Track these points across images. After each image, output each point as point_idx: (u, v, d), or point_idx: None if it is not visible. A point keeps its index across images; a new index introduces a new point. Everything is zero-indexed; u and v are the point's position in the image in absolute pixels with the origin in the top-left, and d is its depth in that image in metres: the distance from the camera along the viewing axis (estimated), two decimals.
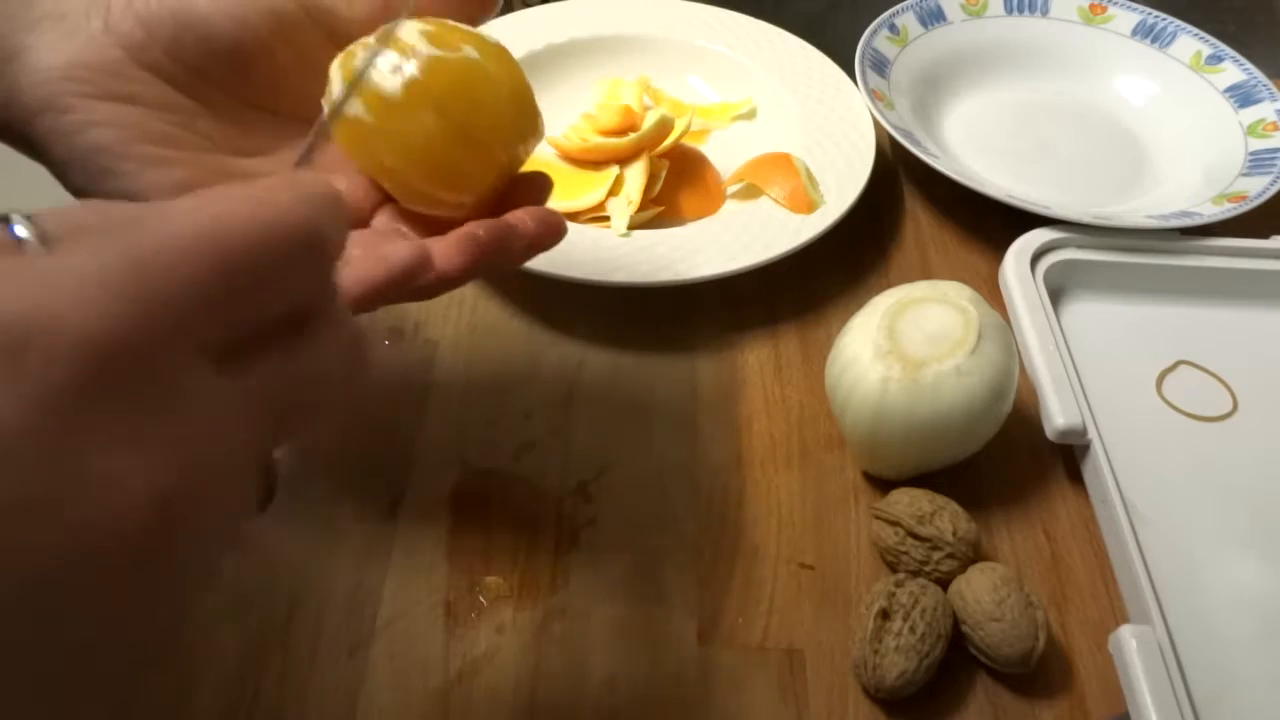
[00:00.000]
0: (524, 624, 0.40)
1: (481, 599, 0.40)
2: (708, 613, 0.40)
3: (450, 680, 0.38)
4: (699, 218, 0.55)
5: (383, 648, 0.39)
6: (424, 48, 0.32)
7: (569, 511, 0.43)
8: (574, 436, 0.46)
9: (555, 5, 0.67)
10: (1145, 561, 0.41)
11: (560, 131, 0.58)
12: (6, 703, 0.16)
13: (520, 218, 0.33)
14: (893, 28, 0.65)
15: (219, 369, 0.19)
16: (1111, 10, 0.68)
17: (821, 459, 0.46)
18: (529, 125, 0.35)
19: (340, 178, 0.35)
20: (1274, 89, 0.62)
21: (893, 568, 0.41)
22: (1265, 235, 0.56)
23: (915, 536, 0.40)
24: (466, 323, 0.51)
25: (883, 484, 0.45)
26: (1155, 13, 0.67)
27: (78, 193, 0.33)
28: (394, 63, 0.32)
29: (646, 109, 0.60)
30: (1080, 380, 0.47)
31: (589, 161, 0.56)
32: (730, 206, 0.56)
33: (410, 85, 0.31)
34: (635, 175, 0.55)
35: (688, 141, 0.59)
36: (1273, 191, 0.55)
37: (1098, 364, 0.50)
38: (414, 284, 0.31)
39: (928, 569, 0.40)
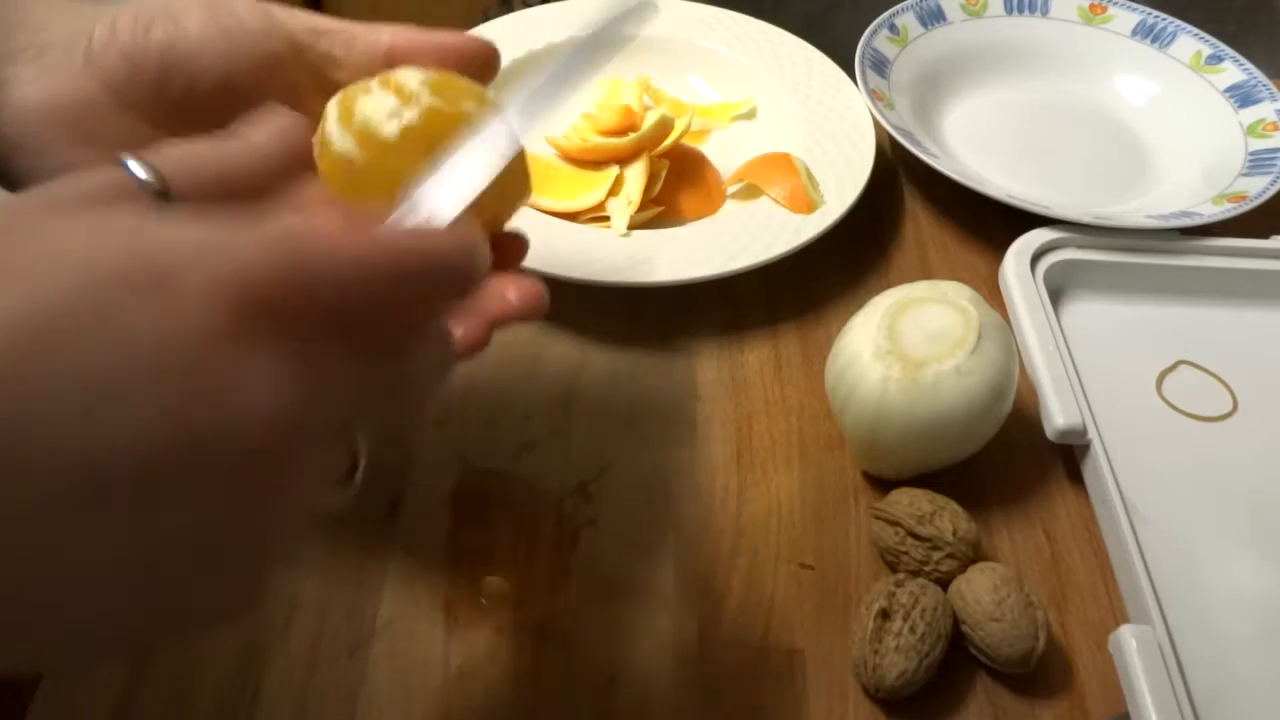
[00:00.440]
0: (524, 624, 0.40)
1: (481, 599, 0.40)
2: (708, 613, 0.40)
3: (450, 680, 0.38)
4: (699, 218, 0.55)
5: (383, 648, 0.39)
6: (425, 96, 0.31)
7: (569, 511, 0.43)
8: (574, 436, 0.46)
9: (555, 5, 0.67)
10: (1145, 561, 0.41)
11: (560, 131, 0.59)
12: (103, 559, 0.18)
13: (502, 293, 0.33)
14: (893, 28, 0.65)
15: (343, 347, 0.22)
16: (1111, 10, 0.68)
17: (821, 459, 0.46)
18: (519, 188, 0.34)
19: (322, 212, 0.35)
20: (1274, 89, 0.62)
21: (893, 568, 0.41)
22: (1265, 235, 0.56)
23: (915, 536, 0.40)
24: None
25: (883, 484, 0.45)
26: (1155, 13, 0.67)
27: None
28: (392, 108, 0.31)
29: (646, 109, 0.60)
30: (1080, 380, 0.47)
31: (589, 161, 0.56)
32: (730, 206, 0.56)
33: (406, 131, 0.31)
34: (635, 175, 0.55)
35: (688, 141, 0.59)
36: (1273, 191, 0.55)
37: (1098, 364, 0.50)
38: None
39: (928, 569, 0.40)
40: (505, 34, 0.64)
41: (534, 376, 0.49)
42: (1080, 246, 0.54)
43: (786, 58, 0.64)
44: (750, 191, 0.55)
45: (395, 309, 0.23)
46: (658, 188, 0.55)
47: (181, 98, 0.33)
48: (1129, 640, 0.38)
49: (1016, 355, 0.43)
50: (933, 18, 0.67)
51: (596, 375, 0.49)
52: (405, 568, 0.41)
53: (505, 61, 0.63)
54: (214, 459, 0.19)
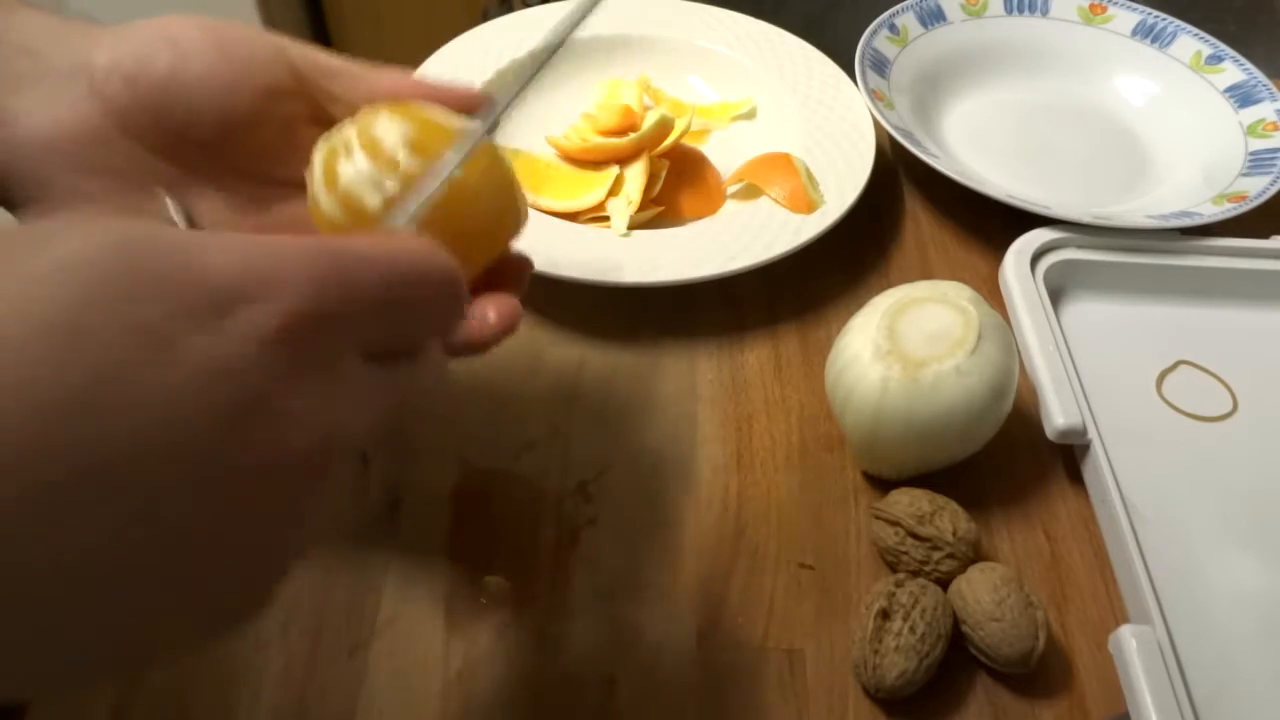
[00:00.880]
0: (524, 624, 0.40)
1: (482, 599, 0.40)
2: (708, 613, 0.40)
3: (450, 680, 0.38)
4: (699, 218, 0.55)
5: (383, 648, 0.39)
6: (404, 157, 0.31)
7: (569, 511, 0.43)
8: (574, 436, 0.46)
9: (555, 5, 0.67)
10: (1145, 561, 0.41)
11: (560, 131, 0.59)
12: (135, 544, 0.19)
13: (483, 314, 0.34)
14: (893, 28, 0.65)
15: (369, 361, 0.23)
16: (1111, 10, 0.68)
17: (821, 459, 0.46)
18: (510, 227, 0.34)
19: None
20: (1274, 89, 0.62)
21: (893, 568, 0.41)
22: (1265, 235, 0.56)
23: (915, 536, 0.40)
24: None
25: (883, 484, 0.45)
26: (1155, 13, 0.67)
27: None
28: (373, 177, 0.31)
29: (646, 109, 0.60)
30: (1080, 380, 0.47)
31: (589, 161, 0.56)
32: (730, 206, 0.56)
33: (389, 202, 0.30)
34: (635, 175, 0.55)
35: (688, 141, 0.59)
36: (1273, 191, 0.55)
37: (1098, 364, 0.50)
38: None
39: (928, 569, 0.40)
40: (505, 34, 0.64)
41: (534, 376, 0.49)
42: (1080, 246, 0.54)
43: (786, 58, 0.64)
44: (750, 191, 0.55)
45: (415, 315, 0.25)
46: (658, 188, 0.55)
47: (182, 127, 0.32)
48: (1129, 640, 0.38)
49: (1016, 355, 0.43)
50: (933, 18, 0.67)
51: (596, 375, 0.49)
52: (405, 568, 0.41)
53: (505, 62, 0.64)
54: (258, 482, 0.20)
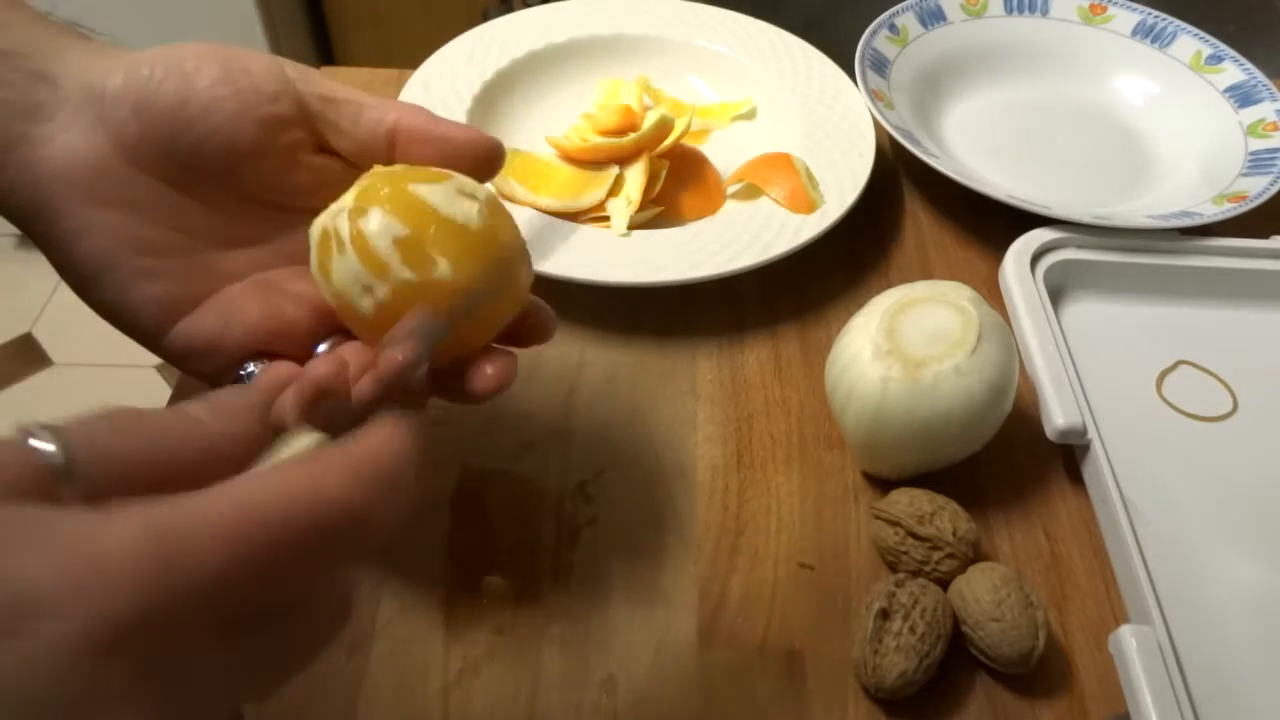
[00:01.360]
0: (524, 624, 0.40)
1: (482, 599, 0.40)
2: (708, 613, 0.40)
3: (450, 680, 0.38)
4: (699, 218, 0.55)
5: (383, 648, 0.39)
6: (395, 264, 0.30)
7: (569, 511, 0.43)
8: (574, 436, 0.46)
9: (555, 5, 0.67)
10: (1145, 561, 0.41)
11: (560, 131, 0.59)
12: None
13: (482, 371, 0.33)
14: (893, 28, 0.65)
15: (216, 638, 0.20)
16: (1111, 10, 0.68)
17: (821, 459, 0.46)
18: (516, 294, 0.34)
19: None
20: (1274, 89, 0.62)
21: (893, 568, 0.41)
22: (1265, 235, 0.56)
23: (915, 536, 0.40)
24: None
25: (883, 484, 0.45)
26: (1155, 13, 0.67)
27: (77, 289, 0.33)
28: (365, 281, 0.31)
29: (646, 109, 0.60)
30: (1080, 380, 0.47)
31: (589, 161, 0.56)
32: (730, 206, 0.56)
33: (380, 308, 0.31)
34: (635, 175, 0.55)
35: (688, 141, 0.59)
36: (1273, 191, 0.55)
37: (1098, 364, 0.50)
38: None
39: (928, 569, 0.40)
40: (505, 34, 0.64)
41: (534, 376, 0.49)
42: (1080, 246, 0.54)
43: (786, 58, 0.64)
44: (750, 191, 0.55)
45: (282, 584, 0.21)
46: (658, 188, 0.55)
47: (189, 156, 0.33)
48: (1129, 640, 0.38)
49: (1016, 355, 0.43)
50: (933, 18, 0.67)
51: (597, 375, 0.49)
52: (405, 568, 0.41)
53: (505, 61, 0.64)
54: None
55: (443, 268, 0.31)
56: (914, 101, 0.64)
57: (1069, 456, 0.46)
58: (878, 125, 0.59)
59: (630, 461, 0.45)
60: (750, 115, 0.63)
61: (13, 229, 0.33)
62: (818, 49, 0.65)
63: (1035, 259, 0.53)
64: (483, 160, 0.35)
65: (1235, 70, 0.64)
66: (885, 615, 0.37)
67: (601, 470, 0.45)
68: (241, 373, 0.34)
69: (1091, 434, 0.45)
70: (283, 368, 0.32)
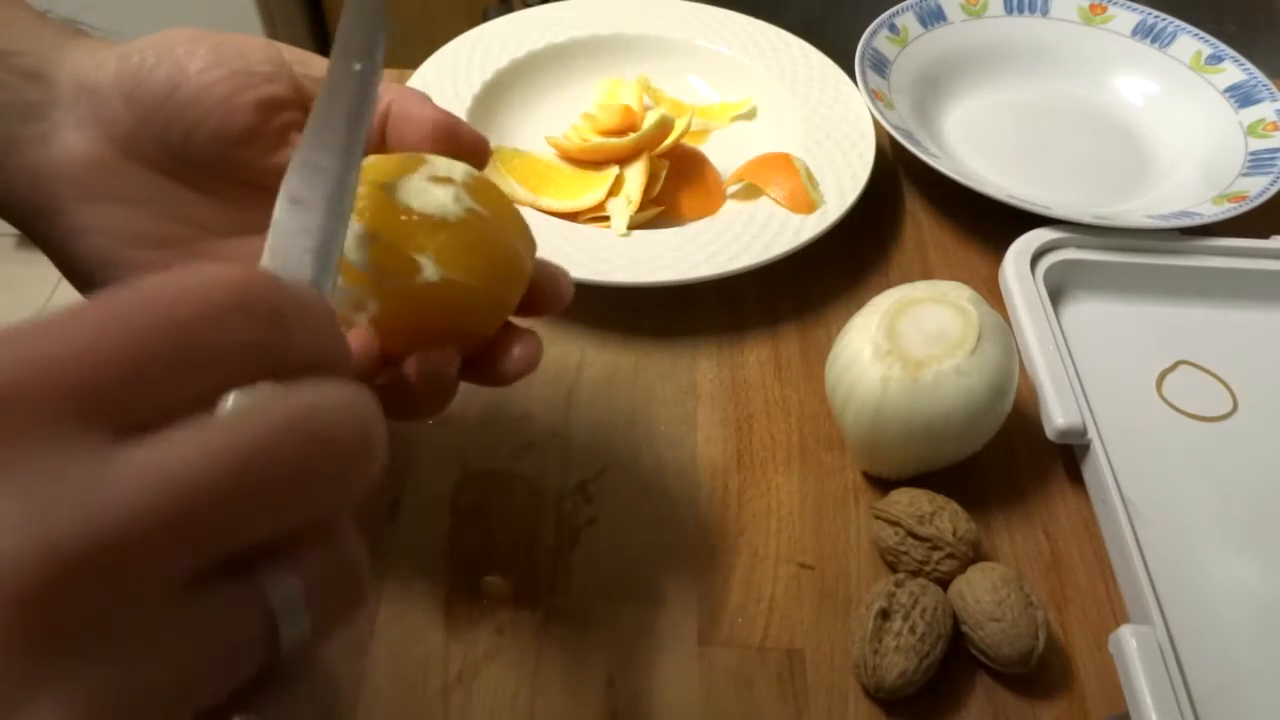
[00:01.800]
0: (524, 624, 0.40)
1: (482, 599, 0.40)
2: (708, 613, 0.40)
3: (450, 680, 0.38)
4: (699, 218, 0.55)
5: (383, 648, 0.39)
6: (378, 273, 0.29)
7: (569, 511, 0.43)
8: (574, 436, 0.46)
9: (555, 5, 0.67)
10: (1145, 561, 0.41)
11: (560, 131, 0.59)
12: None
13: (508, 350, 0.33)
14: (893, 28, 0.65)
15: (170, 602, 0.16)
16: (1111, 10, 0.68)
17: (821, 459, 0.46)
18: (518, 271, 0.32)
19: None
20: (1274, 89, 0.62)
21: (893, 568, 0.41)
22: (1265, 235, 0.56)
23: (915, 536, 0.40)
24: None
25: (883, 484, 0.45)
26: (1155, 13, 0.67)
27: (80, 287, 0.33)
28: (353, 298, 0.30)
29: (646, 109, 0.60)
30: (1080, 380, 0.47)
31: (589, 161, 0.56)
32: (730, 206, 0.56)
33: (379, 321, 0.30)
34: (635, 175, 0.55)
35: (688, 141, 0.59)
36: (1273, 191, 0.55)
37: (1098, 364, 0.50)
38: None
39: (928, 569, 0.40)
40: (505, 34, 0.64)
41: (534, 377, 0.48)
42: (1080, 246, 0.54)
43: (786, 58, 0.64)
44: (750, 191, 0.55)
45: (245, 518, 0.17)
46: (658, 188, 0.55)
47: (184, 142, 0.32)
48: (1129, 640, 0.38)
49: (1016, 355, 0.43)
50: (933, 18, 0.67)
51: (597, 375, 0.49)
52: (405, 568, 0.41)
53: (505, 61, 0.64)
54: None
55: (429, 270, 0.29)
56: (914, 101, 0.64)
57: (1069, 456, 0.46)
58: (878, 125, 0.59)
59: (630, 461, 0.45)
60: (750, 115, 0.63)
61: (13, 229, 0.33)
62: (818, 49, 0.65)
63: (1035, 259, 0.53)
64: (470, 151, 0.34)
65: (1235, 70, 0.64)
66: (885, 615, 0.37)
67: (601, 470, 0.45)
68: None
69: (1091, 434, 0.45)
70: None
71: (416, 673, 0.38)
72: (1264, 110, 0.61)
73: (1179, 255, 0.55)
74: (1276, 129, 0.60)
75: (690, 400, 0.48)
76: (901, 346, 0.41)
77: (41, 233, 0.32)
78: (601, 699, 0.38)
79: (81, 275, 0.33)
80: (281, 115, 0.33)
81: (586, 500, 0.44)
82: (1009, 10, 0.69)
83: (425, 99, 0.34)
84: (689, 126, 0.58)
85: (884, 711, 0.38)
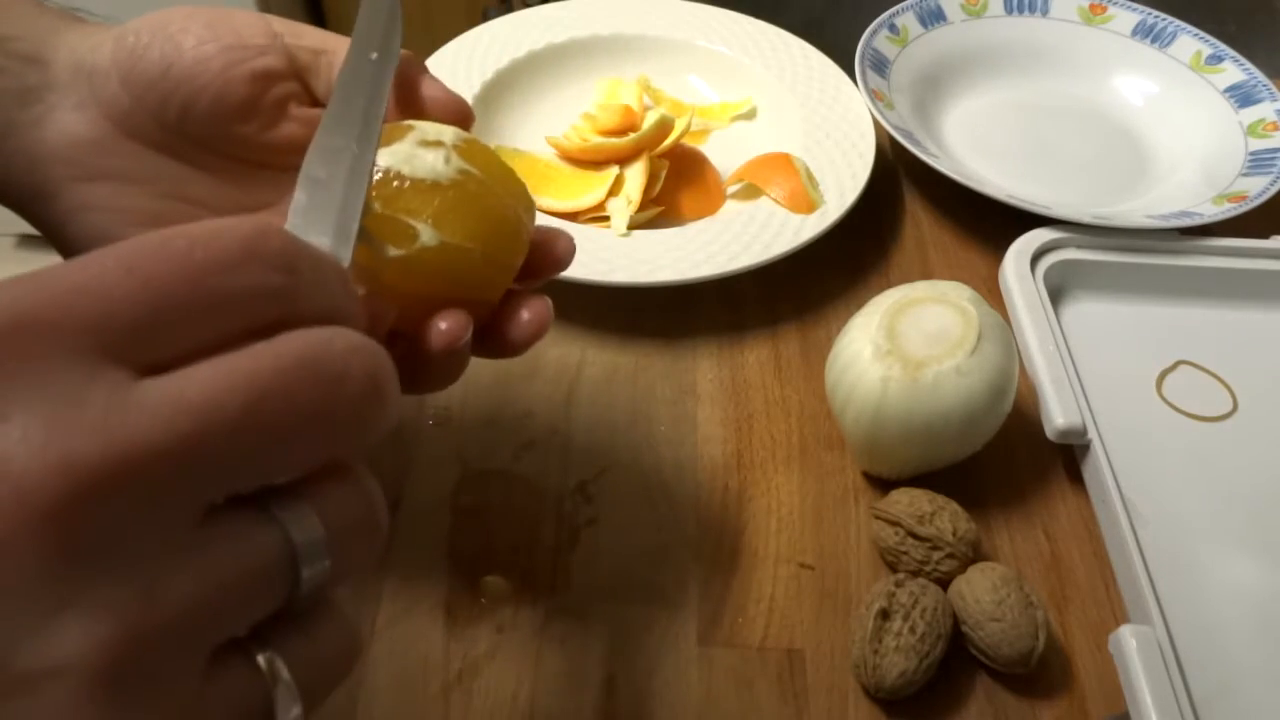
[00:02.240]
0: (524, 624, 0.40)
1: (482, 599, 0.40)
2: (708, 613, 0.40)
3: (450, 680, 0.38)
4: (699, 218, 0.55)
5: (383, 648, 0.39)
6: (375, 243, 0.28)
7: (569, 511, 0.43)
8: (574, 436, 0.46)
9: (555, 5, 0.67)
10: (1145, 561, 0.41)
11: (560, 131, 0.59)
12: None
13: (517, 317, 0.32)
14: (893, 28, 0.65)
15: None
16: (1111, 10, 0.68)
17: (821, 459, 0.46)
18: (517, 231, 0.31)
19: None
20: (1274, 89, 0.62)
21: (893, 568, 0.41)
22: (1265, 235, 0.56)
23: (915, 536, 0.40)
24: None
25: (883, 484, 0.45)
26: (1155, 13, 0.67)
27: None
28: (354, 271, 0.28)
29: (646, 109, 0.60)
30: (1080, 380, 0.47)
31: (589, 161, 0.56)
32: (730, 206, 0.56)
33: (382, 289, 0.29)
34: (635, 175, 0.55)
35: (688, 141, 0.59)
36: (1273, 191, 0.55)
37: (1098, 364, 0.50)
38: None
39: (928, 569, 0.40)
40: (505, 34, 0.64)
41: (534, 376, 0.49)
42: (1080, 246, 0.54)
43: (786, 58, 0.64)
44: (750, 191, 0.55)
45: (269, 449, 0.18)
46: (658, 188, 0.55)
47: (180, 119, 0.32)
48: (1129, 640, 0.38)
49: (1016, 355, 0.43)
50: (933, 18, 0.67)
51: (597, 375, 0.49)
52: (405, 568, 0.41)
53: (505, 61, 0.64)
54: None
55: (426, 236, 0.29)
56: (914, 101, 0.64)
57: (1069, 456, 0.46)
58: (878, 125, 0.59)
59: (630, 461, 0.45)
60: (750, 115, 0.63)
61: (13, 229, 0.33)
62: (818, 49, 0.65)
63: (1035, 259, 0.53)
64: (453, 120, 0.34)
65: (1235, 70, 0.64)
66: (885, 615, 0.37)
67: (601, 470, 0.45)
68: None
69: (1091, 434, 0.45)
70: None
71: (416, 673, 0.38)
72: (1264, 110, 0.61)
73: (1179, 255, 0.55)
74: (1276, 129, 0.60)
75: (690, 400, 0.48)
76: (901, 346, 0.41)
77: (40, 215, 0.32)
78: (601, 699, 0.38)
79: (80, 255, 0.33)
80: (277, 87, 0.33)
81: (586, 500, 0.44)
82: (1009, 10, 0.69)
83: (412, 66, 0.34)
84: (689, 126, 0.58)
85: (884, 711, 0.38)
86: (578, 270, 0.49)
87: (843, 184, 0.55)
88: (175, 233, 0.18)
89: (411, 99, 0.34)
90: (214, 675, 0.17)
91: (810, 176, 0.55)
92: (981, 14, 0.68)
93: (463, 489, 0.44)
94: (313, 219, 0.26)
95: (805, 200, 0.53)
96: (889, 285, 0.47)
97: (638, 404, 0.48)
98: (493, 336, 0.32)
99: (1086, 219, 0.54)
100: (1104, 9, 0.68)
